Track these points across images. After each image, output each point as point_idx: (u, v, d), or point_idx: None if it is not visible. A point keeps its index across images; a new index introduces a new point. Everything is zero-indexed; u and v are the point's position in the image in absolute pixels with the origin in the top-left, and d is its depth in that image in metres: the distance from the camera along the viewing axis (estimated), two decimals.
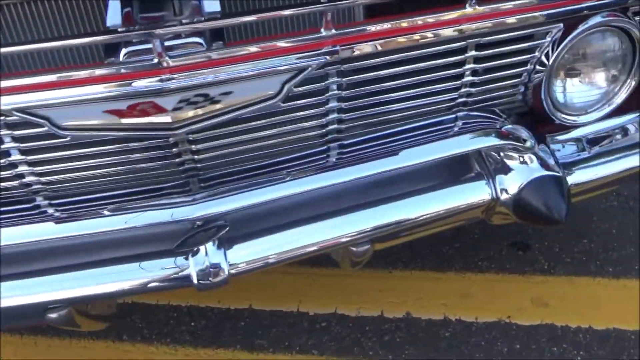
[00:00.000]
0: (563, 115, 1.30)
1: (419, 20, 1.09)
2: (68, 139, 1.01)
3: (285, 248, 1.12)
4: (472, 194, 1.23)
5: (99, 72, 0.94)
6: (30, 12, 1.07)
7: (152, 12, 1.07)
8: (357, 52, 1.06)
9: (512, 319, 1.78)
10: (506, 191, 1.22)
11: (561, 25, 1.19)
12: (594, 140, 1.42)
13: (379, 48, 1.07)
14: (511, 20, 1.14)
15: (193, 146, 1.09)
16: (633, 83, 1.29)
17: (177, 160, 1.11)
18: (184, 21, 0.98)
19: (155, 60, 0.96)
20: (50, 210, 1.15)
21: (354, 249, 1.20)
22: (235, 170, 1.18)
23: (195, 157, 1.12)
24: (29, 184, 1.12)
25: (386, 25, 1.07)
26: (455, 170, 1.28)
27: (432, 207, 1.22)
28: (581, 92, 1.29)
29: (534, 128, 1.34)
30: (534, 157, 1.23)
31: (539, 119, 1.35)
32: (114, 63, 0.96)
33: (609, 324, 1.73)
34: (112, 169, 1.11)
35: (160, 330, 1.90)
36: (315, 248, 1.13)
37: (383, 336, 1.78)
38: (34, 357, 1.86)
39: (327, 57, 1.02)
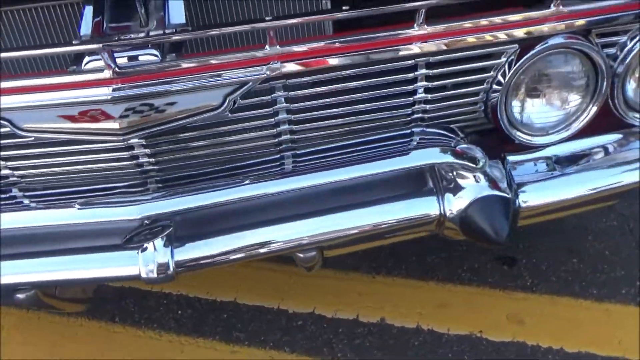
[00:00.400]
0: (520, 134, 1.29)
1: (364, 38, 1.12)
2: (32, 138, 1.12)
3: (229, 250, 1.18)
4: (421, 208, 1.25)
5: (52, 80, 1.03)
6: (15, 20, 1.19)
7: (120, 22, 1.17)
8: (300, 68, 1.11)
9: (483, 334, 1.78)
10: (453, 208, 1.24)
11: (516, 46, 1.20)
12: (572, 159, 1.41)
13: (324, 64, 1.12)
14: (461, 40, 1.16)
15: (148, 150, 1.18)
16: (594, 109, 1.28)
17: (134, 162, 1.19)
18: (132, 36, 1.06)
19: (105, 71, 1.04)
20: (26, 201, 1.27)
21: (300, 255, 1.26)
22: (192, 174, 1.26)
23: (152, 159, 1.20)
24: (5, 177, 1.24)
25: (331, 43, 1.12)
26: (411, 184, 1.30)
27: (379, 218, 1.25)
28: (540, 113, 1.28)
29: (499, 146, 1.36)
30: (482, 177, 1.24)
31: (503, 138, 1.35)
32: (66, 72, 1.05)
33: (581, 347, 1.71)
34: (76, 167, 1.21)
35: (149, 316, 2.01)
36: (258, 252, 1.20)
37: (354, 339, 1.82)
38: (36, 330, 2.02)
39: (267, 72, 1.08)
